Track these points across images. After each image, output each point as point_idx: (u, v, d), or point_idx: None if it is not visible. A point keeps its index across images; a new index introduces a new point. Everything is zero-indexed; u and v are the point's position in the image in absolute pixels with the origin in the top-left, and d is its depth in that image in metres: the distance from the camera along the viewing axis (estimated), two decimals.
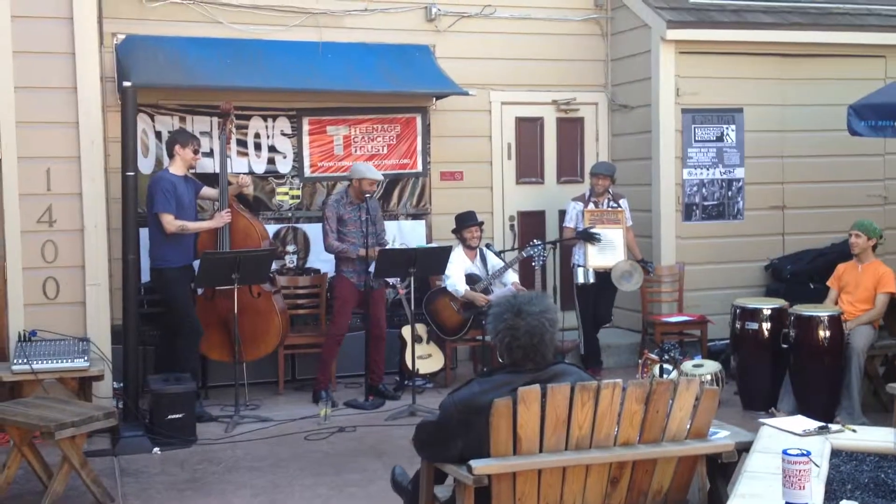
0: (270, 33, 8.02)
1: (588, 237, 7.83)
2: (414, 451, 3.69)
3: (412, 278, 7.06)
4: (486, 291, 7.66)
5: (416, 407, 6.78)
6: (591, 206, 7.99)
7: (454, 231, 7.86)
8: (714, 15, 8.48)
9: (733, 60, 8.56)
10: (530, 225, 8.96)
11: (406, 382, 7.39)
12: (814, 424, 3.89)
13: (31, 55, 6.35)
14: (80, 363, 6.04)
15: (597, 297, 7.94)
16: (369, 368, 7.30)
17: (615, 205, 8.02)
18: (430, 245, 7.35)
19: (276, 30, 8.04)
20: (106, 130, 6.92)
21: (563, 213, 8.36)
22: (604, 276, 7.83)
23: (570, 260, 8.08)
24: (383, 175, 7.65)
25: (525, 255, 7.81)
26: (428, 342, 7.66)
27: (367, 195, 7.16)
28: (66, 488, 5.01)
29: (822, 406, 6.33)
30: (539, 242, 7.86)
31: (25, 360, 5.93)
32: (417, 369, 7.30)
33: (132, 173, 6.28)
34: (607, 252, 7.87)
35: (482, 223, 7.93)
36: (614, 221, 7.96)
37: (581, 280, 7.84)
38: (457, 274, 7.62)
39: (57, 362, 6.00)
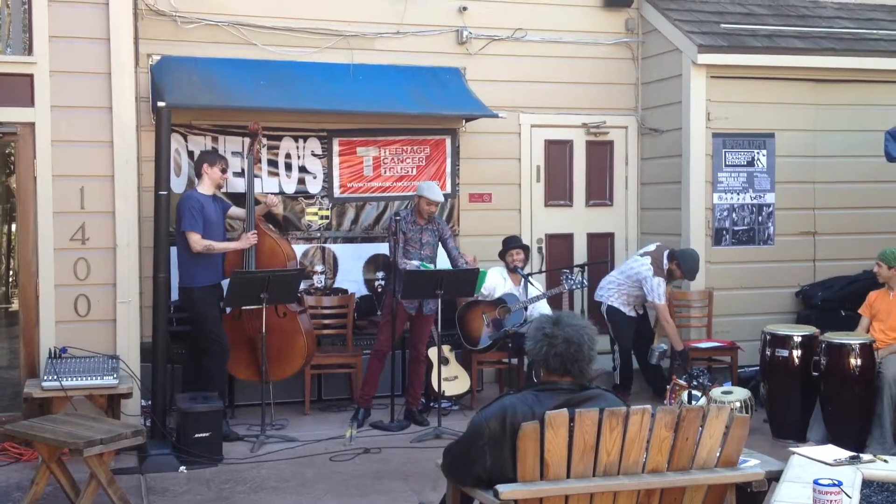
0: (303, 55, 8.09)
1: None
2: (439, 473, 3.68)
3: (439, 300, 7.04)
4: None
5: (442, 429, 6.76)
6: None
7: (500, 254, 7.91)
8: (746, 40, 8.44)
9: (765, 85, 8.51)
10: (558, 248, 8.96)
11: (431, 404, 7.37)
12: (845, 454, 3.85)
13: (68, 75, 6.46)
14: (109, 381, 6.07)
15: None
16: (405, 391, 7.32)
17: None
18: (456, 267, 7.31)
19: (308, 52, 8.11)
20: (140, 150, 7.01)
21: (592, 237, 8.34)
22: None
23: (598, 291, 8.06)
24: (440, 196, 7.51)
25: (567, 290, 7.73)
26: (447, 361, 7.59)
27: (430, 216, 7.19)
28: None
29: (853, 435, 6.25)
30: (575, 277, 7.70)
31: (55, 377, 5.98)
32: (443, 391, 7.28)
33: (165, 192, 6.33)
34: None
35: (526, 247, 7.99)
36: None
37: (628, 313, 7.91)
38: (493, 286, 7.77)
39: (86, 379, 6.04)
